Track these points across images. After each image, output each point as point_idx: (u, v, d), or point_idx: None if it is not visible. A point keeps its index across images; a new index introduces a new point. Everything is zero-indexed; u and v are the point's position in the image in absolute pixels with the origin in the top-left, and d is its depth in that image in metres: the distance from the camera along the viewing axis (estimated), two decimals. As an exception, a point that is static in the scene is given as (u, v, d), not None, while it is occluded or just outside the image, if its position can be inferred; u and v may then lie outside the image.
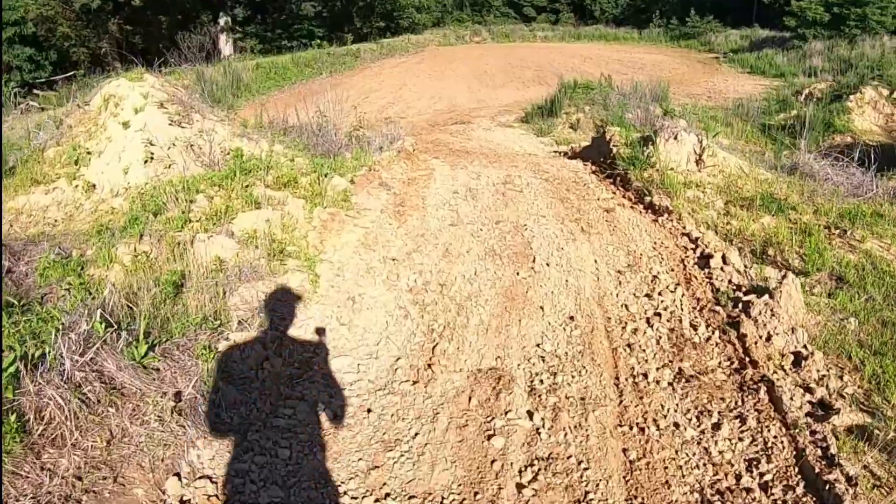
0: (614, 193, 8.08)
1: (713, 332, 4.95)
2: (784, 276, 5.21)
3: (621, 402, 4.19)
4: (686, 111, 12.59)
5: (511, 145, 13.76)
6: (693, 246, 6.34)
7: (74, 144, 8.66)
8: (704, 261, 6.00)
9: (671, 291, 5.56)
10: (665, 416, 4.05)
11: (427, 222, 7.16)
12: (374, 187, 7.71)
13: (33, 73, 21.01)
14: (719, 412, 4.10)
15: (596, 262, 6.15)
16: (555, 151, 13.08)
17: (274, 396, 4.26)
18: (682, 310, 5.30)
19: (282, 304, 5.26)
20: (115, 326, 4.38)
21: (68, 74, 17.89)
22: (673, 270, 5.94)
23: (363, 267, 6.03)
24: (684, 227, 6.73)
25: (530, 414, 4.03)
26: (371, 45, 27.30)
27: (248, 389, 4.26)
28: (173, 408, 4.03)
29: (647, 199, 7.51)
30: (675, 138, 8.12)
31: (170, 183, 6.86)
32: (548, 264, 6.04)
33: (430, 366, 4.55)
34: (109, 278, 5.66)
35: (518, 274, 5.87)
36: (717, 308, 5.25)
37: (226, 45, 26.88)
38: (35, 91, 18.37)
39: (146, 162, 7.73)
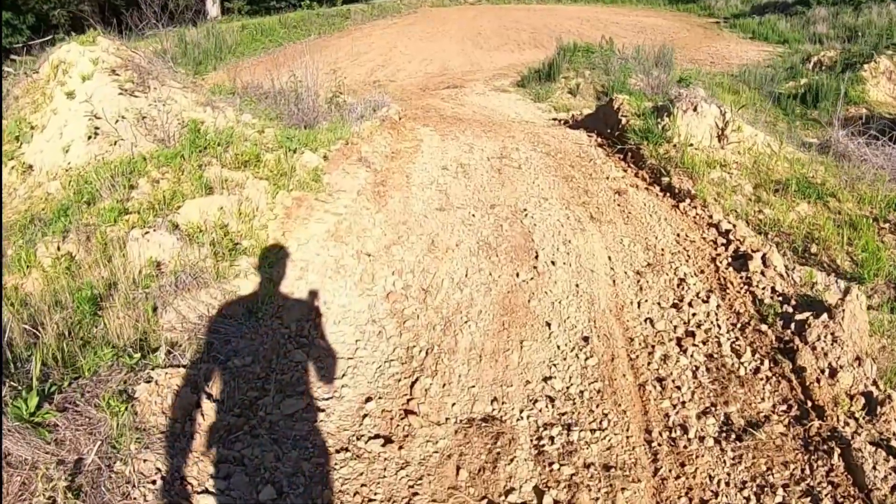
0: (625, 171, 6.86)
1: (762, 362, 3.82)
2: (847, 291, 4.05)
3: (657, 471, 3.06)
4: (692, 77, 11.27)
5: (506, 111, 12.45)
6: (724, 241, 5.16)
7: (18, 118, 7.36)
8: (740, 261, 4.84)
9: (703, 301, 4.41)
10: (716, 495, 2.93)
11: (411, 206, 5.95)
12: (351, 163, 6.47)
13: (10, 38, 19.35)
14: (784, 486, 2.99)
15: (610, 259, 4.98)
16: (553, 119, 11.80)
17: (205, 460, 3.12)
18: (719, 328, 4.16)
19: (227, 321, 4.09)
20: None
21: (47, 38, 16.15)
22: (703, 272, 4.78)
23: (332, 265, 4.85)
24: (711, 216, 5.54)
25: (539, 493, 2.90)
26: (362, 6, 25.51)
27: (172, 451, 3.12)
28: (68, 486, 2.89)
29: (665, 179, 6.30)
30: (695, 110, 6.87)
31: (107, 164, 5.62)
32: (553, 263, 4.87)
33: (407, 412, 3.40)
34: (24, 289, 4.48)
35: (518, 276, 4.70)
36: (763, 327, 4.11)
37: (213, 7, 25.00)
38: (12, 57, 16.78)
39: (90, 138, 6.43)
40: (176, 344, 3.84)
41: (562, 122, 11.08)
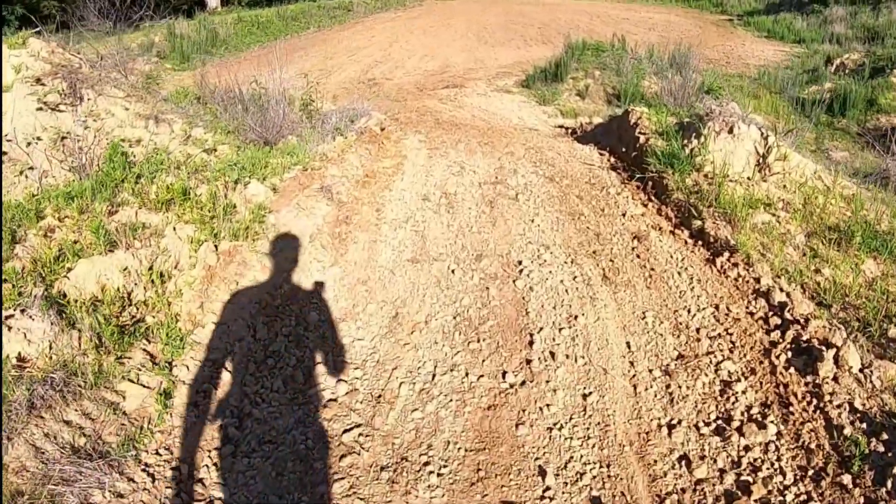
0: (645, 207, 5.44)
1: (858, 549, 2.45)
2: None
3: None
4: (720, 86, 9.76)
5: (508, 116, 10.99)
6: (779, 320, 3.75)
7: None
8: (804, 358, 3.44)
9: (759, 425, 3.03)
10: None
11: (377, 255, 4.58)
12: (309, 195, 5.08)
13: (-5, 31, 17.98)
14: None
15: (629, 347, 3.59)
16: (559, 126, 10.33)
17: None
18: (783, 475, 2.78)
19: (93, 461, 2.75)
20: None
21: (35, 30, 14.42)
22: (754, 373, 3.39)
23: (259, 353, 3.50)
24: (758, 281, 4.13)
25: None
26: (367, -3, 23.92)
27: None
28: None
29: (696, 223, 4.88)
30: (730, 131, 5.43)
31: (-7, 201, 4.27)
32: (552, 355, 3.49)
33: None
34: None
35: (504, 377, 3.33)
36: (845, 478, 2.72)
37: (212, -2, 23.46)
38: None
39: (-7, 166, 5.08)
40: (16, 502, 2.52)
41: (569, 130, 9.63)
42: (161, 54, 13.96)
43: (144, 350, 3.41)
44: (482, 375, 3.31)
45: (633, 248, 4.68)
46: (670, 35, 17.96)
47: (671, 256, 4.55)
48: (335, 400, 3.20)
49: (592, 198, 5.66)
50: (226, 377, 3.27)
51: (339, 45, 16.99)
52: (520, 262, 4.45)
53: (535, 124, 10.38)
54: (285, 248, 4.32)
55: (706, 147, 5.45)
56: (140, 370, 3.25)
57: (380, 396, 3.18)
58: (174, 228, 4.13)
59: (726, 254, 4.44)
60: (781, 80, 13.31)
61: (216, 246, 4.05)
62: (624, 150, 6.70)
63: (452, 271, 4.32)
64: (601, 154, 7.01)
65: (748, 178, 5.24)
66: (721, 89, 8.93)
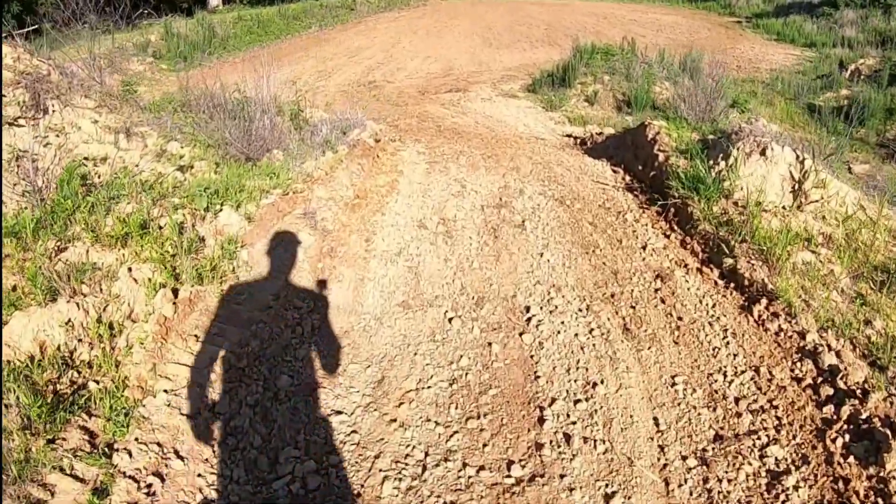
0: (667, 238, 4.81)
1: None
2: None
3: None
4: (745, 97, 9.08)
5: (514, 123, 10.34)
6: (831, 389, 3.13)
7: None
8: (864, 444, 2.81)
9: (823, 540, 2.41)
10: None
11: (363, 297, 3.97)
12: (290, 223, 4.47)
13: (-10, 29, 17.34)
14: None
15: (657, 425, 2.97)
16: (567, 135, 9.67)
17: None
18: None
19: None
20: None
21: (32, 28, 13.91)
22: (807, 462, 2.77)
23: (218, 431, 2.89)
24: (803, 336, 3.50)
25: None
26: (371, -4, 23.19)
27: None
28: None
29: (728, 261, 4.24)
30: (763, 153, 4.79)
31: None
32: (567, 438, 2.87)
33: None
34: None
35: (509, 471, 2.71)
36: None
37: (214, -5, 22.74)
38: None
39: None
40: None
41: (578, 140, 8.98)
42: (157, 54, 13.33)
43: (83, 427, 2.81)
44: (482, 467, 2.69)
45: (656, 291, 4.06)
46: (679, 38, 17.27)
47: (700, 302, 3.92)
48: (306, 496, 2.59)
49: (608, 225, 5.03)
50: (176, 466, 2.66)
51: (340, 45, 16.33)
52: (527, 309, 3.83)
53: (541, 132, 9.73)
54: (257, 292, 3.70)
55: (736, 171, 4.81)
56: (75, 457, 2.65)
57: (358, 495, 2.57)
58: (129, 269, 3.53)
59: (764, 300, 3.82)
60: (795, 86, 12.65)
61: (175, 292, 3.44)
62: (640, 168, 6.06)
63: (450, 320, 3.71)
64: (615, 171, 6.38)
65: (783, 208, 4.61)
66: (747, 102, 8.25)
